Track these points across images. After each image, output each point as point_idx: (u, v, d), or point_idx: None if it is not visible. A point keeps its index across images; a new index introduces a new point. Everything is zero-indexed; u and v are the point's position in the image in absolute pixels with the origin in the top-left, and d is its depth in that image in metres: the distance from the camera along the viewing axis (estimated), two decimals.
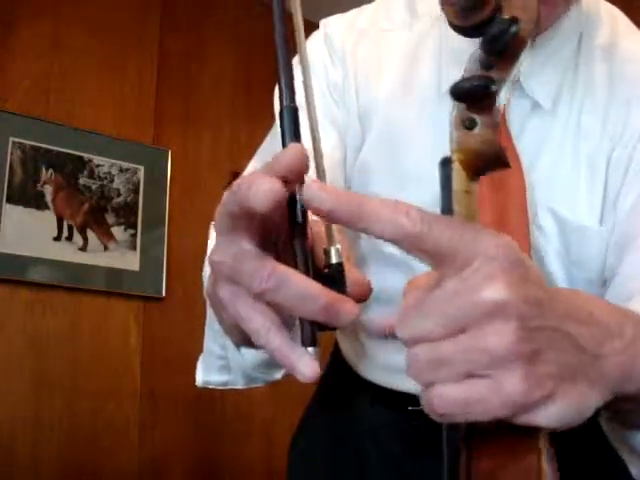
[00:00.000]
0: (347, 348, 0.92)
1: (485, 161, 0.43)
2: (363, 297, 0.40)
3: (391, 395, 0.84)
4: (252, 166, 0.88)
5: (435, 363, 0.38)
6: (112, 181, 2.36)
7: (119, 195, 2.36)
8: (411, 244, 0.38)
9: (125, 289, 2.29)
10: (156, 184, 2.44)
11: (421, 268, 0.78)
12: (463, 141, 0.43)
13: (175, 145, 2.52)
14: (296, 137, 0.40)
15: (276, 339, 0.39)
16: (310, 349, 0.39)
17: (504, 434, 0.39)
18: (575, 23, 0.79)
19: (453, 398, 0.38)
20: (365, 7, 0.89)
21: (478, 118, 0.43)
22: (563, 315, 0.40)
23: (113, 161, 2.37)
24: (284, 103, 0.40)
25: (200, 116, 2.61)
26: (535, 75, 0.75)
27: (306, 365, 0.38)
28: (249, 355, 0.67)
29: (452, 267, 0.38)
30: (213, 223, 0.71)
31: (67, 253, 2.21)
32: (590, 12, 0.81)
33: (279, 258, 0.40)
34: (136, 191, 2.40)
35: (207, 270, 0.68)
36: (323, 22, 0.88)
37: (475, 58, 0.43)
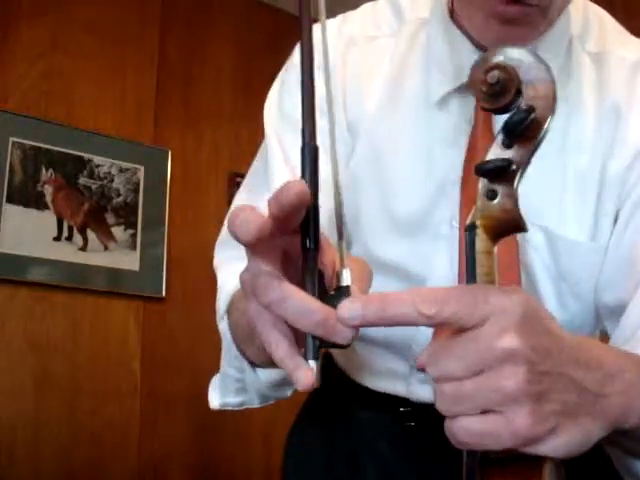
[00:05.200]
0: (339, 354, 0.93)
1: (505, 227, 0.50)
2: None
3: (382, 398, 0.85)
4: (244, 189, 0.89)
5: (458, 398, 0.44)
6: (112, 181, 2.36)
7: (119, 195, 2.36)
8: (434, 323, 0.44)
9: (125, 289, 2.29)
10: (156, 184, 2.44)
11: (417, 272, 0.79)
12: (486, 209, 0.50)
13: (175, 145, 2.52)
14: (315, 175, 0.44)
15: (282, 350, 0.45)
16: (311, 362, 0.43)
17: (514, 462, 0.46)
18: (563, 30, 0.78)
19: (471, 430, 0.44)
20: (350, 13, 0.87)
21: (499, 189, 0.50)
22: (568, 361, 0.45)
23: (113, 161, 2.37)
24: (305, 140, 0.45)
25: (200, 116, 2.61)
26: None
27: (302, 375, 0.43)
28: (263, 375, 0.74)
29: (476, 324, 0.44)
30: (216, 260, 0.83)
31: (67, 253, 2.21)
32: (578, 16, 0.80)
33: (299, 282, 0.45)
34: (136, 191, 2.40)
35: (222, 306, 0.78)
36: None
37: (498, 139, 0.50)
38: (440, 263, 0.77)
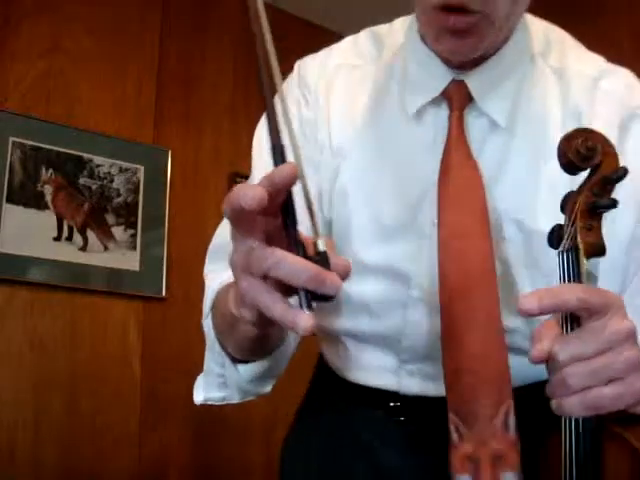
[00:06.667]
0: (331, 354, 0.96)
1: (596, 250, 0.67)
2: (345, 274, 0.54)
3: (373, 394, 0.89)
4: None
5: (590, 374, 0.58)
6: (112, 181, 2.36)
7: (119, 195, 2.36)
8: (581, 308, 0.60)
9: (125, 289, 2.29)
10: (156, 184, 2.44)
11: (404, 271, 0.85)
12: (585, 237, 0.67)
13: (175, 145, 2.52)
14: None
15: (280, 308, 0.53)
16: (306, 311, 0.52)
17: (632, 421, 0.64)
18: (524, 46, 0.86)
19: (604, 396, 0.58)
20: (334, 46, 0.96)
21: (594, 223, 0.68)
22: None
23: (113, 161, 2.37)
24: (274, 141, 0.54)
25: (200, 116, 2.61)
26: (489, 95, 0.83)
27: (303, 320, 0.51)
28: (244, 370, 0.82)
29: (599, 314, 0.59)
30: (207, 261, 0.93)
31: (67, 253, 2.21)
32: (539, 36, 0.88)
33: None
34: (136, 191, 2.40)
35: (207, 306, 0.85)
36: (298, 64, 0.96)
37: (591, 187, 0.69)
38: (424, 261, 0.83)
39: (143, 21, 2.56)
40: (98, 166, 2.34)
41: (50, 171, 2.24)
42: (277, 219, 0.54)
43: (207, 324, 0.85)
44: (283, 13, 2.83)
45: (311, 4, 2.85)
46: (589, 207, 0.67)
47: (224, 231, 0.91)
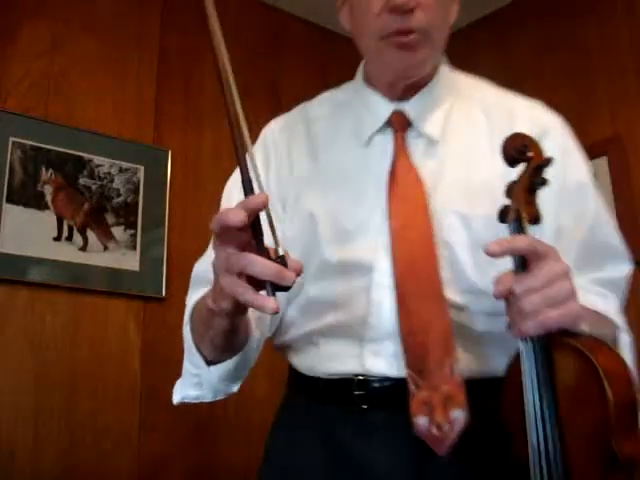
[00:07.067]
0: (299, 357, 1.07)
1: (535, 217, 0.87)
2: (298, 272, 0.73)
3: (338, 385, 0.99)
4: (206, 258, 1.13)
5: (540, 301, 0.78)
6: (112, 181, 2.36)
7: (119, 195, 2.36)
8: (533, 253, 0.80)
9: (125, 289, 2.29)
10: (156, 184, 2.44)
11: (367, 264, 0.99)
12: (527, 208, 0.87)
13: (175, 145, 2.51)
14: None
15: (251, 294, 0.73)
16: (271, 298, 0.71)
17: (572, 337, 0.83)
18: (449, 82, 1.11)
19: (553, 317, 0.78)
20: (298, 107, 1.20)
21: (532, 199, 0.88)
22: None
23: (113, 161, 2.37)
24: (244, 176, 0.74)
25: (200, 116, 2.61)
26: (424, 118, 1.06)
27: (269, 303, 0.71)
28: (215, 370, 0.99)
29: (542, 258, 0.80)
30: (193, 278, 1.14)
31: (67, 253, 2.21)
32: (466, 80, 1.14)
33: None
34: (136, 191, 2.40)
35: (187, 315, 1.04)
36: (264, 129, 1.19)
37: (528, 173, 0.89)
38: (381, 250, 0.99)
39: (143, 21, 2.56)
40: (98, 166, 2.34)
41: (50, 171, 2.24)
42: (248, 233, 0.73)
43: (186, 331, 1.01)
44: (283, 13, 2.83)
45: (311, 4, 2.85)
46: (528, 186, 0.88)
47: (203, 263, 1.09)
